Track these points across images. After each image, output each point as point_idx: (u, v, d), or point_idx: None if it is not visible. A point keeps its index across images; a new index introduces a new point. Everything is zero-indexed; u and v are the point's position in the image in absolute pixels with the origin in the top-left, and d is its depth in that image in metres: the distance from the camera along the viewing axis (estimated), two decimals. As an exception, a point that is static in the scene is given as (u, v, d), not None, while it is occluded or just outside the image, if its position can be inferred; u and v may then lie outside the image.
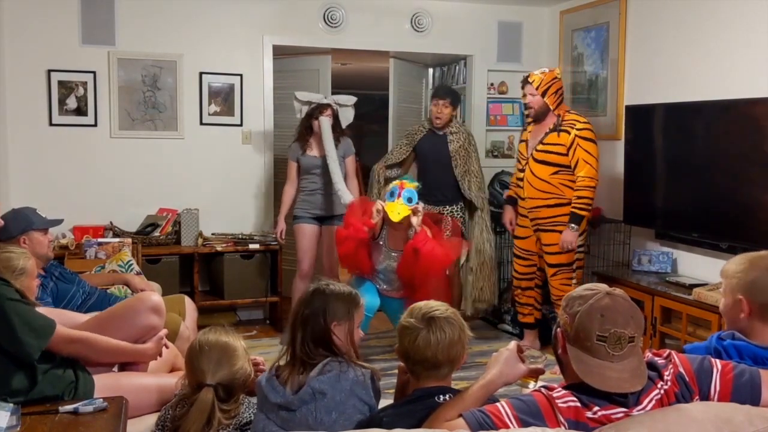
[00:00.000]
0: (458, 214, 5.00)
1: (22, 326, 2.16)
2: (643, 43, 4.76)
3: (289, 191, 4.83)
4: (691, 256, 4.36)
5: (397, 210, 3.94)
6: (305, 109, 4.81)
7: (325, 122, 4.66)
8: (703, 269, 4.23)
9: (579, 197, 4.25)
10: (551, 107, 4.34)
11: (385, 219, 4.04)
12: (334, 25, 5.39)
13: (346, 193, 4.47)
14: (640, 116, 4.58)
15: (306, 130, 4.78)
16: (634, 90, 4.85)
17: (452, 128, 4.94)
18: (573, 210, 4.27)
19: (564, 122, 4.32)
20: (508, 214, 4.77)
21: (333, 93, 5.67)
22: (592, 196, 4.27)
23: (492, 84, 5.82)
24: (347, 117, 4.93)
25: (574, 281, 4.43)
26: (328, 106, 4.75)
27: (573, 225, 4.26)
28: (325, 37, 5.41)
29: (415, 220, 3.97)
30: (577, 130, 4.26)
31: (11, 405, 2.02)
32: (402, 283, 4.16)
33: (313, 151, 4.75)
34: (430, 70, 6.59)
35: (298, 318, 2.14)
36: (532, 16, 5.81)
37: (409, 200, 3.99)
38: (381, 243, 4.16)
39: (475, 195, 4.98)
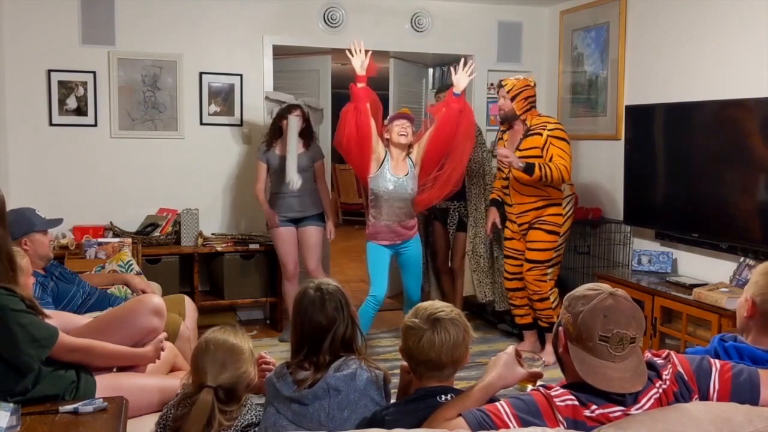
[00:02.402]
0: (465, 209, 5.07)
1: (24, 337, 2.15)
2: (643, 43, 4.76)
3: (260, 191, 4.85)
4: (691, 256, 4.36)
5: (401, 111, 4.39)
6: (276, 109, 4.80)
7: (293, 121, 4.66)
8: (703, 269, 4.23)
9: (553, 166, 4.18)
10: (517, 112, 4.38)
11: (390, 140, 4.26)
12: (334, 25, 5.39)
13: (293, 171, 4.49)
14: (640, 116, 4.58)
15: (275, 132, 4.78)
16: (634, 90, 4.86)
17: None
18: (537, 163, 4.18)
19: (535, 126, 4.35)
20: (491, 216, 4.74)
21: (333, 93, 5.69)
22: (557, 176, 4.18)
23: (492, 84, 5.81)
24: (318, 121, 4.96)
25: (548, 277, 4.47)
26: (298, 106, 4.75)
27: (522, 165, 4.18)
28: (325, 37, 5.41)
29: (464, 79, 4.26)
30: (549, 130, 4.31)
31: (11, 405, 2.02)
32: (429, 160, 4.30)
33: (279, 150, 4.76)
34: (430, 70, 6.59)
35: (306, 322, 2.14)
36: (532, 16, 5.81)
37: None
38: (386, 170, 4.25)
39: (476, 186, 5.04)
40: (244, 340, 2.22)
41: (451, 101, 4.26)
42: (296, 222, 4.80)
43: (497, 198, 4.74)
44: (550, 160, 4.26)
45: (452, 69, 4.43)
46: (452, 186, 4.45)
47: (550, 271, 4.48)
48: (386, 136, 4.31)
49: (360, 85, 4.19)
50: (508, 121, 4.46)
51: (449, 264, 5.34)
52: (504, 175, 4.53)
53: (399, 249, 4.42)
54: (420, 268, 4.60)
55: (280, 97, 4.84)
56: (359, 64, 4.19)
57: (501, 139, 4.61)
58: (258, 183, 4.86)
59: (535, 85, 4.47)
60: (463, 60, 4.43)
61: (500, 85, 4.45)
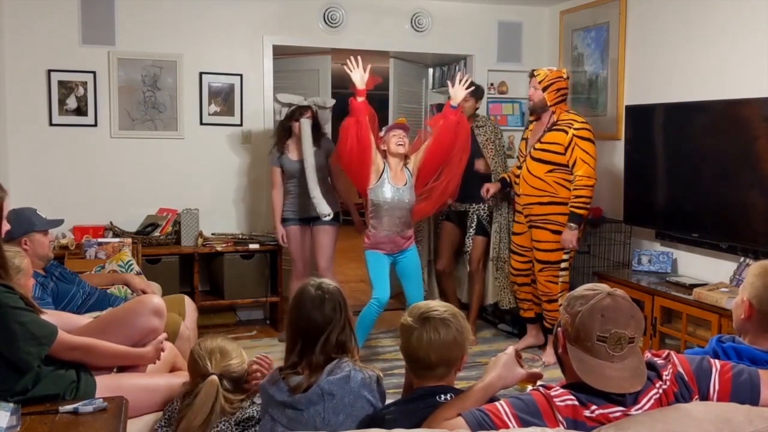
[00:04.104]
0: (484, 212, 4.97)
1: (24, 335, 2.15)
2: (643, 43, 4.76)
3: (276, 196, 4.83)
4: (691, 256, 4.36)
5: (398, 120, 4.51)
6: (285, 111, 4.80)
7: (305, 125, 4.65)
8: (703, 269, 4.23)
9: (578, 196, 4.25)
10: (548, 103, 4.37)
11: (388, 150, 4.30)
12: (334, 25, 5.39)
13: (323, 204, 4.47)
14: (640, 116, 4.58)
15: (284, 133, 4.78)
16: (634, 90, 4.85)
17: (478, 122, 4.94)
18: (572, 209, 4.27)
19: (561, 121, 4.33)
20: (492, 186, 4.75)
21: (333, 93, 5.69)
22: (591, 195, 4.28)
23: (492, 84, 5.82)
24: (326, 118, 4.94)
25: (561, 279, 4.45)
26: (308, 107, 4.75)
27: (572, 224, 4.27)
28: (325, 37, 5.41)
29: (460, 94, 4.31)
30: (575, 129, 4.27)
31: (11, 405, 2.02)
32: (426, 171, 4.36)
33: (293, 155, 4.74)
34: (430, 70, 6.59)
35: (303, 319, 2.14)
36: (532, 16, 5.81)
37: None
38: (386, 180, 4.29)
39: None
40: (229, 341, 2.42)
41: (448, 113, 4.30)
42: (310, 221, 4.80)
43: (506, 178, 4.76)
44: (574, 163, 4.24)
45: (449, 82, 4.44)
46: (448, 196, 4.50)
47: (562, 273, 4.44)
48: (383, 147, 4.33)
49: (359, 99, 4.21)
50: (536, 112, 4.44)
51: (466, 267, 5.25)
52: (519, 164, 4.55)
53: (397, 258, 4.43)
54: (420, 275, 4.60)
55: (290, 99, 4.82)
56: (359, 78, 4.22)
57: (527, 129, 4.62)
58: (274, 189, 4.83)
59: (568, 78, 4.45)
60: (459, 74, 4.44)
61: (532, 75, 4.45)
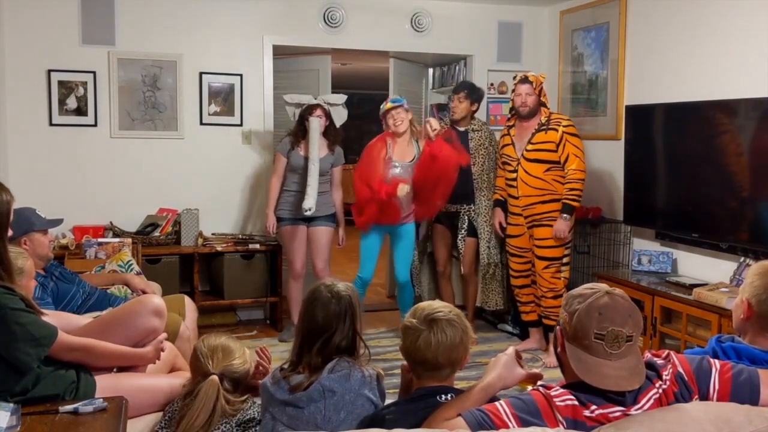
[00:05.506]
0: (475, 213, 4.91)
1: (24, 336, 2.15)
2: (643, 43, 4.76)
3: (275, 184, 4.82)
4: (691, 256, 4.36)
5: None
6: (298, 111, 4.80)
7: (314, 122, 4.65)
8: (703, 269, 4.23)
9: (571, 189, 4.39)
10: (547, 104, 4.52)
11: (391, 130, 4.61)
12: (334, 25, 5.39)
13: (311, 199, 4.49)
14: (640, 116, 4.58)
15: (300, 132, 4.76)
16: (634, 90, 4.86)
17: (474, 126, 4.93)
18: (565, 201, 4.40)
19: (550, 121, 4.47)
20: (498, 216, 4.78)
21: (333, 93, 5.67)
22: (583, 187, 4.43)
23: (492, 84, 5.81)
24: (341, 116, 4.89)
25: (562, 275, 4.52)
26: (318, 105, 4.74)
27: (565, 215, 4.40)
28: (325, 37, 5.41)
29: (431, 131, 4.59)
30: (564, 127, 4.43)
31: (11, 405, 2.02)
32: (415, 188, 4.62)
33: (303, 152, 4.73)
34: (430, 70, 6.59)
35: (307, 319, 2.15)
36: (532, 16, 5.81)
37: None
38: (391, 157, 4.61)
39: (485, 195, 4.93)
40: (232, 340, 2.41)
41: (426, 145, 4.60)
42: (307, 221, 4.78)
43: (500, 198, 4.76)
44: (567, 158, 4.38)
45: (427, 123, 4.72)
46: (424, 211, 4.80)
47: (564, 269, 4.54)
48: (384, 127, 4.64)
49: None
50: (530, 115, 4.50)
51: (459, 270, 5.19)
52: (512, 168, 4.55)
53: (393, 230, 4.72)
54: (410, 251, 4.83)
55: (299, 99, 4.81)
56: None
57: (507, 134, 4.63)
58: (274, 176, 4.83)
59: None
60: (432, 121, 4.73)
61: (525, 80, 4.48)
